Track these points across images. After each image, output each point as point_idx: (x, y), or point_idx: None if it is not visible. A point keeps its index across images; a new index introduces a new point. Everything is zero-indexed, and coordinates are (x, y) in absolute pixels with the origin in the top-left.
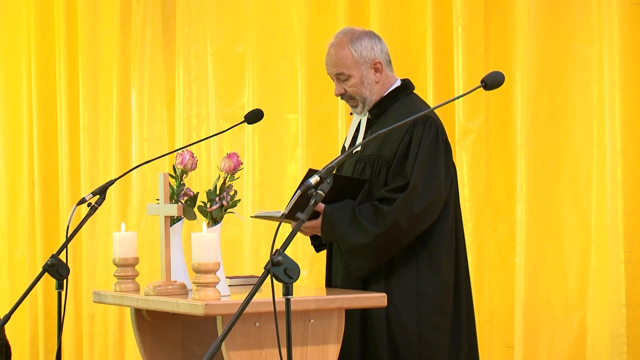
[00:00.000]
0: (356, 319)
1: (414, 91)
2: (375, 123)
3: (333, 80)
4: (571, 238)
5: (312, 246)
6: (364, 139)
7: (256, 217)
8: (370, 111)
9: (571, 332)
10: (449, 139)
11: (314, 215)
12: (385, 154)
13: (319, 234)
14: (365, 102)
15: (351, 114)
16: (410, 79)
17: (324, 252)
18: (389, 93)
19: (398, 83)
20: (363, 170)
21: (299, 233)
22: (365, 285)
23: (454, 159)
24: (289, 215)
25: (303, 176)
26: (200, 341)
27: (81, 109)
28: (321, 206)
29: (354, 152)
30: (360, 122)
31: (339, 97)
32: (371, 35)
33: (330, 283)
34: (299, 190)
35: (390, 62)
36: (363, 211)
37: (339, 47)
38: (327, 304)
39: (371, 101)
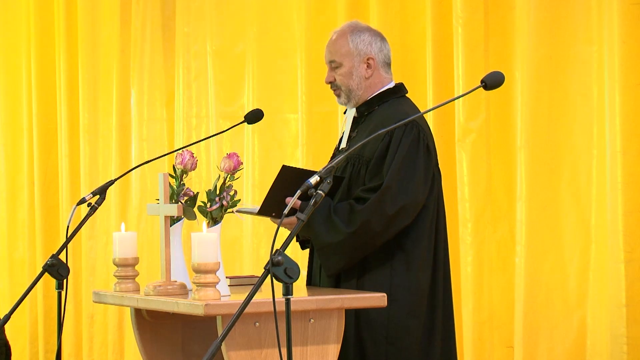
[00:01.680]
0: None
1: (408, 95)
2: (362, 122)
3: (327, 66)
4: (571, 238)
5: (297, 243)
6: (349, 136)
7: (238, 212)
8: (358, 109)
9: (571, 332)
10: (449, 139)
11: (292, 211)
12: (365, 154)
13: None
14: (350, 95)
15: (345, 112)
16: (404, 83)
17: None
18: (379, 93)
19: (391, 85)
20: (344, 169)
21: (281, 229)
22: (337, 283)
23: (453, 159)
24: (267, 212)
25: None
26: (200, 341)
27: (81, 109)
28: (298, 203)
29: (339, 149)
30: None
31: (329, 85)
32: (375, 33)
33: (310, 281)
34: (299, 190)
35: (388, 64)
36: (338, 209)
37: (339, 36)
38: (327, 304)
39: (357, 95)
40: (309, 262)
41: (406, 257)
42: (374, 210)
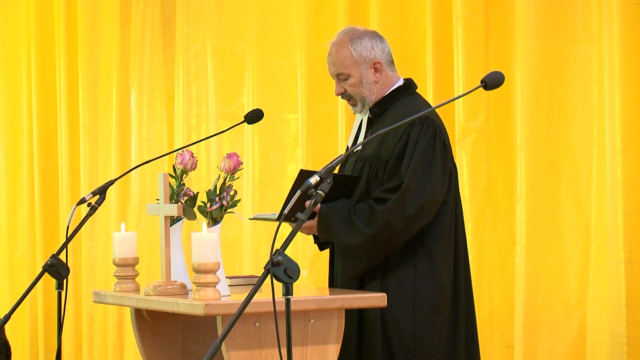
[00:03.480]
0: (354, 320)
1: (417, 91)
2: (376, 122)
3: (334, 79)
4: (571, 238)
5: (315, 244)
6: (364, 138)
7: (254, 219)
8: (370, 110)
9: (571, 332)
10: (449, 139)
11: (311, 215)
12: (383, 154)
13: (317, 234)
14: (364, 102)
15: (355, 112)
16: (412, 79)
17: (326, 251)
18: (390, 92)
19: (400, 82)
20: (362, 170)
21: (298, 233)
22: (361, 284)
23: (454, 159)
24: (287, 217)
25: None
26: (200, 341)
27: (81, 109)
28: (317, 206)
29: (354, 151)
30: (362, 121)
31: (340, 97)
32: (373, 34)
33: (332, 282)
34: (299, 190)
35: (392, 62)
36: (358, 211)
37: (339, 47)
38: (327, 304)
39: (370, 101)
40: (329, 264)
41: (429, 255)
42: (394, 210)
